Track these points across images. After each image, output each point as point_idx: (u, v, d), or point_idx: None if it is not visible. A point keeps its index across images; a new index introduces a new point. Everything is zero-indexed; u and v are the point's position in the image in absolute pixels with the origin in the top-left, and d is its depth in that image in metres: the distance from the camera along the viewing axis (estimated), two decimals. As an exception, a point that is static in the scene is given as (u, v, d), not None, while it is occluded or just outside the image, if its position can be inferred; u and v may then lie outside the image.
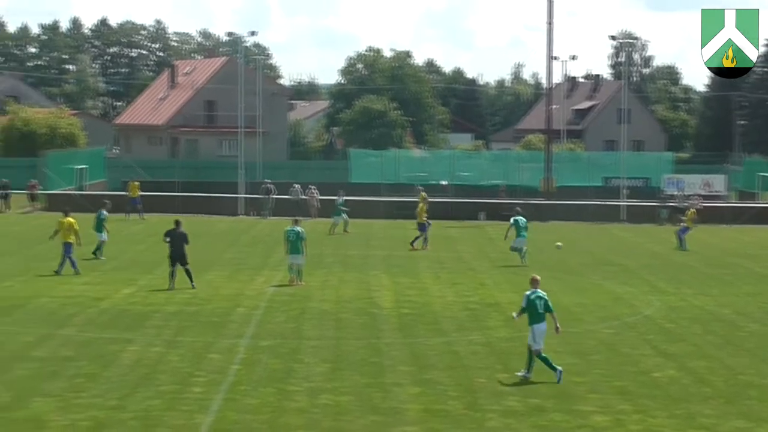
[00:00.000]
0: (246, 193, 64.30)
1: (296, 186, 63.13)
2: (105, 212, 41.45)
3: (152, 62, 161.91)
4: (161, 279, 34.38)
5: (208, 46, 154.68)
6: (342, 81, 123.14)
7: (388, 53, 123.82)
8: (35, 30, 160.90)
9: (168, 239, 32.97)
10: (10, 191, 63.58)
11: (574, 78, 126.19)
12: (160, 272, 35.80)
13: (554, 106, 77.57)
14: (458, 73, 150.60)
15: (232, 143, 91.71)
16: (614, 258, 43.21)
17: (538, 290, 21.81)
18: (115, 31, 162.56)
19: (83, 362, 22.00)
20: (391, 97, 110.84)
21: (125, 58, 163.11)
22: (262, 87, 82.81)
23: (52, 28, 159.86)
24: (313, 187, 62.42)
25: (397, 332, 26.00)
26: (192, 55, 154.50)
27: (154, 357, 22.76)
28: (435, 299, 31.38)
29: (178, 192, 65.35)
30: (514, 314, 22.53)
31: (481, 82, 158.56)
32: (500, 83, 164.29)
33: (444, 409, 18.93)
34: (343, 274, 36.59)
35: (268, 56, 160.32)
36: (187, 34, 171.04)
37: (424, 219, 45.98)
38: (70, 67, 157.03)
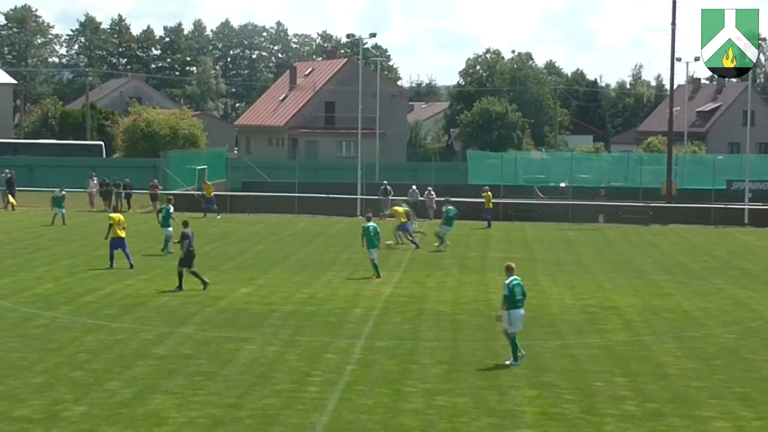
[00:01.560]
0: (364, 194, 64.48)
1: (414, 187, 63.18)
2: (171, 207, 41.88)
3: (272, 64, 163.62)
4: (279, 279, 34.68)
5: (328, 48, 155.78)
6: (462, 82, 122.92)
7: (508, 54, 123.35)
8: (159, 32, 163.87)
9: (187, 241, 32.19)
10: (131, 191, 64.71)
11: (697, 79, 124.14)
12: (279, 272, 36.11)
13: (677, 108, 76.34)
14: (578, 75, 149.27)
15: (351, 144, 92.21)
16: (737, 262, 42.32)
17: (516, 277, 22.17)
18: (236, 33, 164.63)
19: (202, 360, 22.23)
20: (510, 99, 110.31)
21: (246, 60, 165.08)
22: (382, 88, 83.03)
23: (175, 31, 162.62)
24: (430, 188, 62.43)
25: (514, 335, 25.73)
26: (312, 56, 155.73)
27: (271, 356, 22.89)
28: (552, 302, 31.05)
29: (296, 193, 65.84)
30: (500, 312, 22.44)
31: (602, 84, 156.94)
32: (621, 85, 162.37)
33: (560, 412, 18.69)
34: (461, 276, 36.45)
35: (388, 58, 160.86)
36: (308, 35, 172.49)
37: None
38: (192, 68, 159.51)
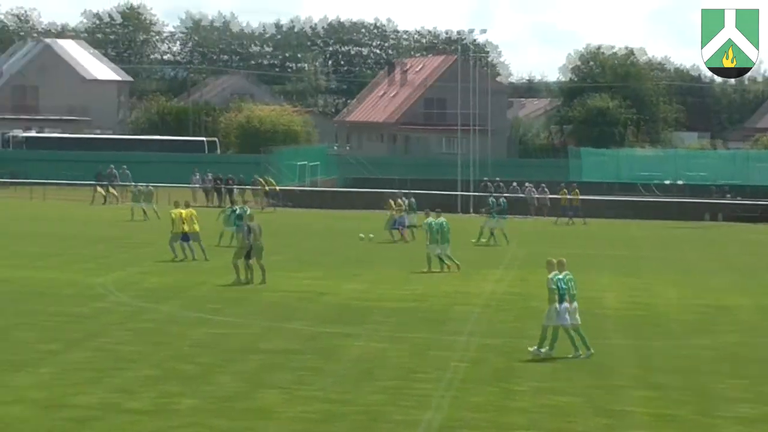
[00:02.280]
0: (467, 191, 64.32)
1: (528, 185, 62.97)
2: (248, 208, 41.73)
3: (377, 60, 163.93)
4: (382, 274, 34.73)
5: (433, 44, 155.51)
6: (567, 78, 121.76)
7: (614, 50, 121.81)
8: (266, 29, 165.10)
9: (249, 232, 32.35)
10: (236, 187, 65.23)
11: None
12: (382, 268, 36.14)
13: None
14: (687, 71, 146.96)
15: (455, 140, 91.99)
16: None
17: (557, 272, 22.13)
18: (341, 29, 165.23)
19: (308, 355, 22.30)
20: (618, 95, 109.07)
21: (351, 56, 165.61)
22: (485, 85, 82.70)
23: (281, 27, 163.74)
24: (543, 185, 62.26)
25: (623, 334, 25.44)
26: (416, 52, 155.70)
27: (376, 352, 22.89)
28: (661, 301, 30.61)
29: (397, 189, 65.92)
30: (557, 305, 21.99)
31: (711, 80, 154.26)
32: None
33: (673, 414, 18.36)
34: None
35: (492, 54, 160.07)
36: (412, 31, 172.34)
37: None
38: (297, 65, 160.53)
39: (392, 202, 46.51)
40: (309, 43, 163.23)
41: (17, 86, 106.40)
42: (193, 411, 17.84)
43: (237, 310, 27.77)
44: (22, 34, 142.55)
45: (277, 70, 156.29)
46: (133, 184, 58.82)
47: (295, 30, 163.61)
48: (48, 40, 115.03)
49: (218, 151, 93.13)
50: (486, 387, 19.86)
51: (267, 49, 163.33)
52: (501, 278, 34.44)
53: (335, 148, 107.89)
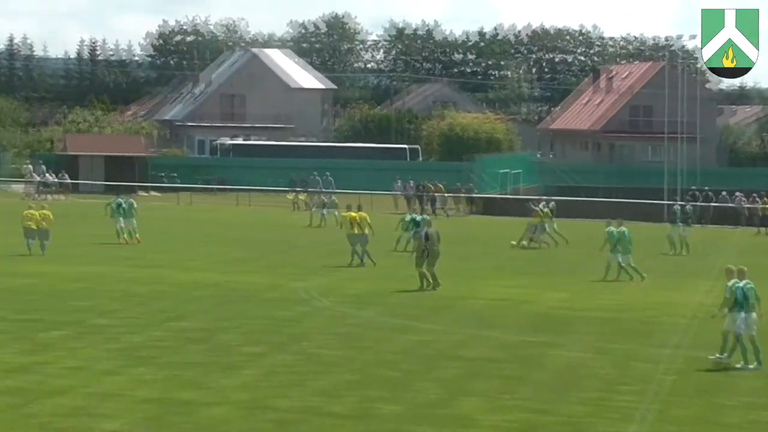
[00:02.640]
0: (674, 200, 62.91)
1: (738, 194, 61.42)
2: (426, 215, 41.75)
3: (582, 67, 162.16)
4: (585, 283, 34.24)
5: (640, 51, 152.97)
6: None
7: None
8: (470, 37, 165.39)
9: (427, 239, 32.35)
10: (440, 194, 65.43)
11: None
12: (584, 276, 35.61)
13: None
14: None
15: (661, 148, 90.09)
16: None
17: (737, 280, 21.81)
18: (545, 37, 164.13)
19: (509, 364, 22.08)
20: None
21: (555, 63, 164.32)
22: (694, 91, 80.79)
23: (484, 34, 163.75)
24: (755, 194, 60.61)
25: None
26: (622, 59, 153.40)
27: (579, 362, 22.51)
28: None
29: (600, 197, 64.97)
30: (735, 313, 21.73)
31: None
32: None
33: None
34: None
35: (701, 60, 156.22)
36: (618, 38, 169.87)
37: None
38: (501, 72, 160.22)
39: (539, 210, 46.12)
40: (512, 51, 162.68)
41: (225, 95, 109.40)
42: (395, 417, 17.85)
43: (439, 317, 27.75)
44: (230, 44, 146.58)
45: (479, 77, 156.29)
46: (324, 191, 59.74)
47: (499, 37, 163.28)
48: (255, 50, 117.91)
49: (420, 158, 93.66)
50: (693, 400, 19.28)
51: (470, 56, 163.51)
52: (710, 289, 33.45)
53: (538, 156, 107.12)
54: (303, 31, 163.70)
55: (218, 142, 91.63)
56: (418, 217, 41.30)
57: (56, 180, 70.12)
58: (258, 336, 24.26)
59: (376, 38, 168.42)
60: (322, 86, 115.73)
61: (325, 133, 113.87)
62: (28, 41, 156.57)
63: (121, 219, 42.94)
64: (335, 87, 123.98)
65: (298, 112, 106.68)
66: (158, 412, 17.67)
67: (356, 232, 37.12)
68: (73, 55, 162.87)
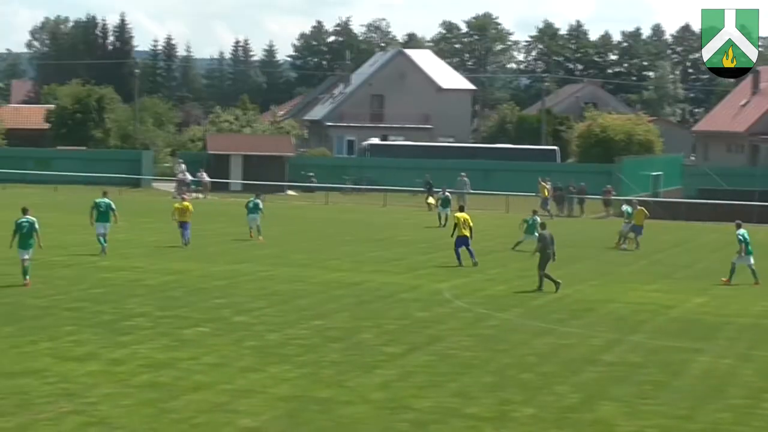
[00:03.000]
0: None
1: None
2: (537, 218, 41.23)
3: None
4: (734, 289, 33.40)
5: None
6: None
7: None
8: (616, 37, 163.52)
9: (541, 243, 32.25)
10: (585, 196, 64.80)
11: None
12: (733, 282, 34.75)
13: None
14: None
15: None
16: None
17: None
18: (697, 37, 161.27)
19: (651, 369, 21.65)
20: None
21: (699, 64, 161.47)
22: None
23: (633, 35, 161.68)
24: None
25: None
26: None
27: (725, 369, 21.96)
28: None
29: (756, 201, 63.35)
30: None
31: None
32: None
33: None
34: None
35: None
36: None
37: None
38: (650, 73, 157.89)
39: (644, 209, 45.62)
40: (667, 51, 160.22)
41: (375, 95, 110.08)
42: (533, 420, 17.66)
43: (580, 320, 27.38)
44: (383, 45, 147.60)
45: (634, 78, 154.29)
46: (457, 191, 59.42)
47: (648, 38, 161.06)
48: (402, 50, 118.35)
49: (570, 159, 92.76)
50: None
51: (614, 57, 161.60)
52: None
53: (691, 158, 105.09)
54: (449, 32, 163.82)
55: (367, 142, 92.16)
56: (530, 220, 41.44)
57: (194, 178, 71.29)
58: (396, 336, 24.27)
59: (529, 39, 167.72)
60: (469, 87, 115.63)
61: (473, 135, 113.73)
62: (173, 41, 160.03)
63: (257, 217, 43.64)
64: (480, 88, 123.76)
65: (444, 113, 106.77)
66: (296, 409, 17.80)
67: (465, 233, 36.98)
68: (221, 55, 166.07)
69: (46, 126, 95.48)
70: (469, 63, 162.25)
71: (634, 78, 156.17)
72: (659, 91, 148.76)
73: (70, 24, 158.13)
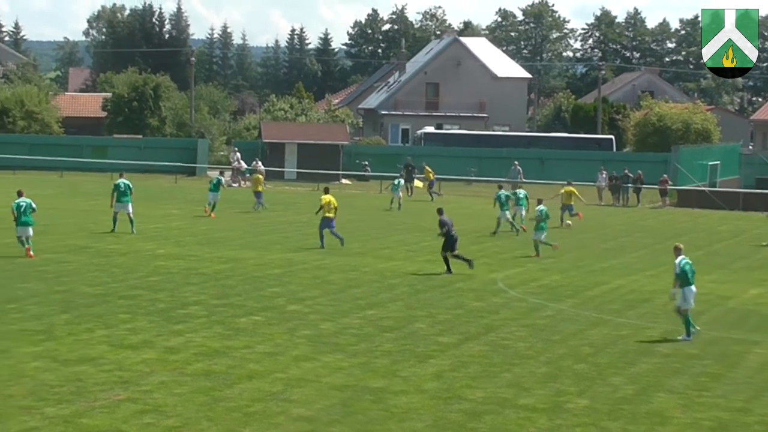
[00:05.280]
0: None
1: None
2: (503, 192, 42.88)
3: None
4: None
5: None
6: None
7: None
8: (674, 25, 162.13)
9: (445, 227, 32.75)
10: (641, 185, 64.31)
11: None
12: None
13: None
14: None
15: None
16: None
17: (685, 257, 23.76)
18: (762, 24, 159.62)
19: (707, 361, 21.45)
20: None
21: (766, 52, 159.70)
22: None
23: (691, 23, 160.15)
24: None
25: None
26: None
27: (783, 361, 21.73)
28: None
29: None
30: (673, 290, 23.67)
31: None
32: None
33: None
34: None
35: None
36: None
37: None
38: (702, 61, 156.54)
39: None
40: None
41: (430, 84, 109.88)
42: (587, 411, 17.55)
43: (635, 311, 27.18)
44: (438, 33, 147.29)
45: (691, 66, 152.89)
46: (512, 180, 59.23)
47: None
48: (458, 38, 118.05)
49: (626, 148, 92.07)
50: None
51: (672, 45, 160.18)
52: None
53: (750, 147, 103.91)
54: (504, 19, 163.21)
55: (422, 131, 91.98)
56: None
57: (248, 167, 71.55)
58: (450, 326, 24.22)
59: (585, 27, 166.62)
60: (525, 75, 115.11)
61: (530, 123, 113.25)
62: (229, 30, 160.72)
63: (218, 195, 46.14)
64: (536, 77, 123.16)
65: (500, 101, 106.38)
66: (349, 399, 17.80)
67: (330, 215, 37.38)
68: (277, 43, 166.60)
69: (103, 114, 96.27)
70: (525, 51, 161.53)
71: (692, 66, 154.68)
72: (717, 80, 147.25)
73: (127, 12, 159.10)
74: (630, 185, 64.18)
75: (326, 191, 38.75)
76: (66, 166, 73.64)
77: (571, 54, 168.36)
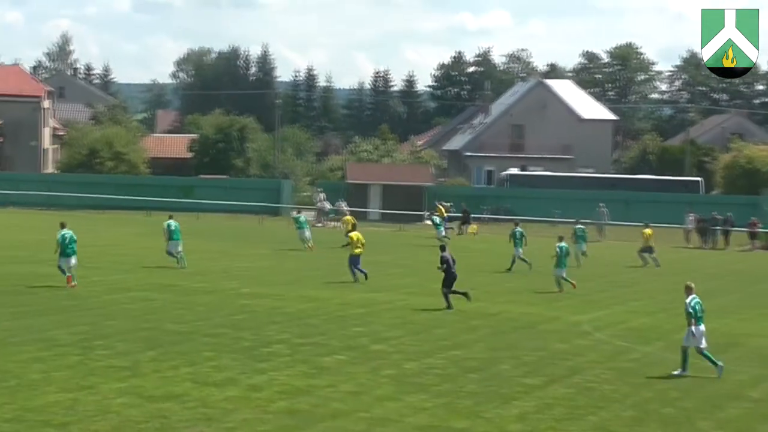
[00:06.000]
0: None
1: None
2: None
3: None
4: None
5: None
6: None
7: None
8: (764, 67, 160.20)
9: (445, 265, 32.94)
10: (731, 228, 63.42)
11: None
12: None
13: None
14: None
15: None
16: None
17: (695, 296, 23.89)
18: None
19: (800, 407, 20.96)
20: None
21: None
22: None
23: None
24: None
25: None
26: None
27: None
28: None
29: None
30: (692, 327, 23.75)
31: None
32: None
33: None
34: None
35: None
36: None
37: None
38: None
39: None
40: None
41: (515, 126, 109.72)
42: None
43: (725, 355, 26.62)
44: (523, 75, 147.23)
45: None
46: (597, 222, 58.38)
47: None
48: (543, 80, 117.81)
49: (714, 191, 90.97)
50: None
51: (763, 86, 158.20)
52: None
53: None
54: (585, 62, 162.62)
55: (506, 172, 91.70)
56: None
57: (333, 207, 71.80)
58: (534, 367, 23.95)
59: (672, 69, 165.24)
60: (610, 117, 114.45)
61: (615, 165, 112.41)
62: (314, 72, 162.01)
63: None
64: (622, 118, 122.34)
65: (585, 143, 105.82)
66: (432, 439, 17.64)
67: (357, 252, 38.78)
68: (361, 85, 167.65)
69: (189, 155, 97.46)
70: (611, 93, 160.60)
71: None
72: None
73: (214, 55, 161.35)
74: (719, 228, 63.29)
75: (354, 227, 42.20)
76: (152, 205, 74.55)
77: (657, 96, 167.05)
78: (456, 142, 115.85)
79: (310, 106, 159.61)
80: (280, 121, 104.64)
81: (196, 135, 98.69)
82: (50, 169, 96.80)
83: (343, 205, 72.22)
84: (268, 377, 21.75)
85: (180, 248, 41.02)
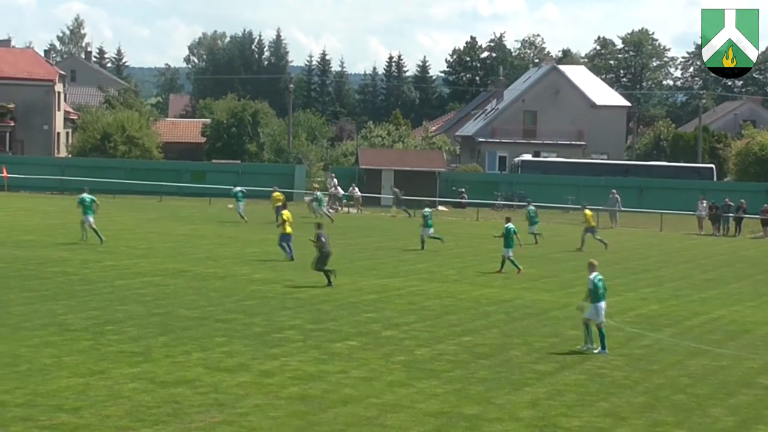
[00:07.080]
0: None
1: None
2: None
3: None
4: None
5: None
6: None
7: None
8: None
9: (321, 241, 33.73)
10: (743, 215, 63.27)
11: None
12: None
13: None
14: None
15: None
16: None
17: (598, 273, 24.49)
18: None
19: (811, 394, 20.95)
20: None
21: None
22: None
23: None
24: None
25: None
26: None
27: None
28: None
29: None
30: (582, 303, 24.91)
31: None
32: None
33: None
34: None
35: None
36: None
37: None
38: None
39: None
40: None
41: (527, 111, 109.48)
42: (684, 443, 17.24)
43: (736, 342, 26.69)
44: (537, 60, 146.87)
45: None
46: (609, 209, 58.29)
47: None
48: (556, 66, 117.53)
49: (726, 178, 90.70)
50: None
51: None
52: None
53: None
54: (599, 48, 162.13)
55: (519, 159, 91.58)
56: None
57: (345, 193, 71.81)
58: (546, 354, 23.99)
59: (686, 55, 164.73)
60: (623, 104, 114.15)
61: (628, 152, 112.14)
62: (328, 57, 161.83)
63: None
64: (635, 105, 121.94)
65: (598, 130, 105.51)
66: (444, 425, 17.69)
67: (288, 230, 39.42)
68: (374, 70, 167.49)
69: (202, 140, 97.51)
70: (624, 79, 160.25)
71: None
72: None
73: (227, 39, 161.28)
74: (731, 215, 63.14)
75: (284, 206, 46.83)
76: (165, 190, 74.63)
77: (671, 82, 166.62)
78: (469, 128, 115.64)
79: (324, 91, 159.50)
80: (293, 106, 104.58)
81: (209, 120, 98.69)
82: (62, 153, 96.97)
83: (356, 190, 72.23)
84: (280, 363, 21.81)
85: (92, 220, 42.56)
